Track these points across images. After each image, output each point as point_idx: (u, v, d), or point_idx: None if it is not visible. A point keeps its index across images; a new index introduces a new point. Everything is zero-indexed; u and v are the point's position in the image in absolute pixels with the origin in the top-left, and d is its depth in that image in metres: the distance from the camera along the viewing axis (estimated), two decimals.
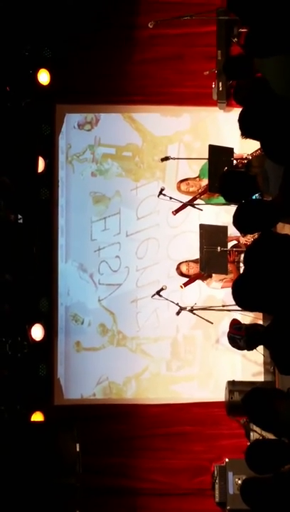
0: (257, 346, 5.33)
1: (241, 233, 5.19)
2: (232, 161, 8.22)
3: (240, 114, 4.98)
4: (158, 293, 8.41)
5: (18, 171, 8.54)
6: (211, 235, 8.23)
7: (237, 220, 5.01)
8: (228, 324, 7.76)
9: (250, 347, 6.61)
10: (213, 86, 9.10)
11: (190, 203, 8.51)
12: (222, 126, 9.34)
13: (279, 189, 4.79)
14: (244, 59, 5.67)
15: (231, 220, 5.19)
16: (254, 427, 7.62)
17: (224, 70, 7.07)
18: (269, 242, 4.57)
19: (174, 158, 8.93)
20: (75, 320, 9.39)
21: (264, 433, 6.70)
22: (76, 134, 9.59)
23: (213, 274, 8.56)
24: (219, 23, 9.08)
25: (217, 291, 8.83)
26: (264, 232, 4.92)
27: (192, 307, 8.38)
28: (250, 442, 6.19)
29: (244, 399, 4.56)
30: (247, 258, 4.61)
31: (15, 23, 8.55)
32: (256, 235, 8.17)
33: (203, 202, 8.67)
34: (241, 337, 7.77)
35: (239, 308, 7.13)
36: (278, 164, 4.85)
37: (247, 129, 4.93)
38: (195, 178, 8.95)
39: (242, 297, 4.58)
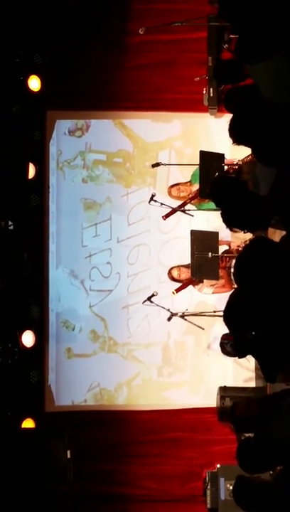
0: (247, 354, 5.32)
1: (228, 227, 5.17)
2: (223, 166, 8.24)
3: (231, 121, 4.99)
4: (149, 299, 8.41)
5: (8, 177, 8.52)
6: (202, 240, 8.24)
7: (225, 211, 5.01)
8: (219, 329, 7.78)
9: (238, 352, 6.60)
10: (204, 92, 9.11)
11: (180, 208, 8.52)
12: (213, 132, 9.35)
13: (269, 188, 4.80)
14: (234, 63, 5.70)
15: (222, 225, 5.19)
16: (246, 433, 7.61)
17: (215, 74, 7.09)
18: (260, 249, 4.56)
19: (165, 164, 8.94)
20: (66, 326, 9.37)
21: None
22: (67, 140, 9.59)
23: (204, 280, 8.57)
24: (210, 29, 9.10)
25: (209, 296, 8.84)
26: (255, 238, 4.92)
27: (183, 313, 8.38)
28: (240, 440, 6.18)
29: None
30: (238, 267, 4.60)
31: (6, 29, 8.55)
32: (247, 241, 8.20)
33: (194, 207, 8.68)
34: (228, 341, 7.80)
35: None
36: (269, 167, 4.86)
37: (238, 136, 4.94)
38: (186, 183, 8.97)
39: (235, 323, 4.59)
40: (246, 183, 5.22)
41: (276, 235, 5.59)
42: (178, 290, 8.48)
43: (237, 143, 4.98)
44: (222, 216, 5.15)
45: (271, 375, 4.64)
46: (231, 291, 6.34)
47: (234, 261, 7.47)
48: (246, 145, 5.07)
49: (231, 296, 4.79)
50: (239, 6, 4.75)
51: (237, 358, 8.20)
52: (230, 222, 5.24)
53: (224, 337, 8.12)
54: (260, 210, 4.87)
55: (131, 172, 9.55)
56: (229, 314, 4.59)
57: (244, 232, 5.60)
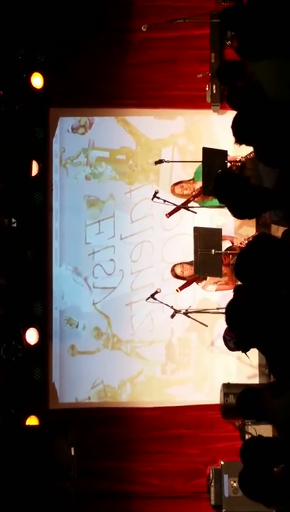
0: (249, 349, 5.33)
1: (233, 214, 5.18)
2: (226, 163, 8.23)
3: (233, 121, 4.99)
4: (152, 296, 8.41)
5: (11, 175, 8.54)
6: (205, 237, 8.24)
7: (231, 204, 5.02)
8: (223, 327, 7.75)
9: (241, 349, 6.61)
10: (207, 89, 9.10)
11: (184, 206, 8.52)
12: (215, 128, 9.34)
13: (276, 180, 4.81)
14: (238, 64, 5.70)
15: (225, 222, 5.20)
16: (249, 430, 7.63)
17: (218, 75, 7.08)
18: (262, 245, 4.56)
19: (168, 161, 8.94)
20: (70, 324, 9.38)
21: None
22: (70, 137, 9.59)
23: (208, 277, 8.57)
24: (212, 26, 9.09)
25: (212, 293, 8.84)
26: (258, 235, 4.93)
27: (186, 310, 8.38)
28: (245, 440, 6.18)
29: (238, 401, 4.59)
30: (240, 263, 4.59)
31: (9, 26, 8.55)
32: (250, 237, 8.20)
33: (197, 204, 8.67)
34: (231, 338, 7.81)
35: None
36: (271, 167, 4.86)
37: (241, 136, 4.95)
38: (189, 180, 8.96)
39: (236, 322, 4.60)
40: (249, 180, 5.23)
41: (279, 232, 5.59)
42: (181, 288, 8.47)
43: (239, 143, 4.98)
44: (229, 209, 5.15)
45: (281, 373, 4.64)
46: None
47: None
48: (248, 145, 5.07)
49: (235, 292, 4.80)
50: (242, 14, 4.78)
51: (240, 352, 8.21)
52: (237, 213, 5.25)
53: (227, 332, 8.12)
54: (264, 198, 4.88)
55: (134, 169, 9.55)
56: (231, 311, 4.58)
57: (249, 218, 5.60)
